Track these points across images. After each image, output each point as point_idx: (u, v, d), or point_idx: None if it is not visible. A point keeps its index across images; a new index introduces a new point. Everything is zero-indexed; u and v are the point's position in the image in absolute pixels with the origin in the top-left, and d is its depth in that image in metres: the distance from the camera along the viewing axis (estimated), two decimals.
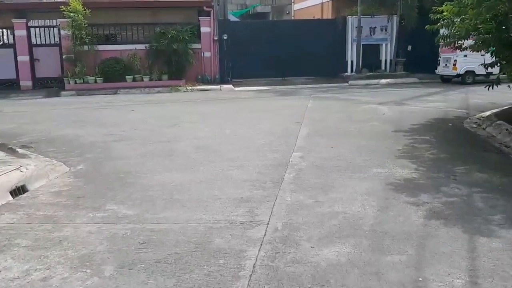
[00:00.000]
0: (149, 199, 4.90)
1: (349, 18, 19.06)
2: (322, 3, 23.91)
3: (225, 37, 18.59)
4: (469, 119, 9.20)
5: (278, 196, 4.86)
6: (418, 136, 7.70)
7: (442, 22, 8.02)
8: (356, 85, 17.24)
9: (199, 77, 18.23)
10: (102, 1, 17.78)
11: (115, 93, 16.38)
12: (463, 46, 8.37)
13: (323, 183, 5.27)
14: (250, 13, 30.18)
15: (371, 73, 18.78)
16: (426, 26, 8.56)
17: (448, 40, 8.00)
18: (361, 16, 18.20)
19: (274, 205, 4.59)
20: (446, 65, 16.67)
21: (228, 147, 7.34)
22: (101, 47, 17.46)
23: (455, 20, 7.57)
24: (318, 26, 19.98)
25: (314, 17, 23.72)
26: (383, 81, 17.72)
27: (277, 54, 18.82)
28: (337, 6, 21.83)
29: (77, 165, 6.49)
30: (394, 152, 6.68)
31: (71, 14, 16.48)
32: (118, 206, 4.71)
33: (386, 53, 19.39)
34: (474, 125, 8.53)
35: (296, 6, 28.65)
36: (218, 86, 17.34)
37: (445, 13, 7.51)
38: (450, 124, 8.86)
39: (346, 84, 17.59)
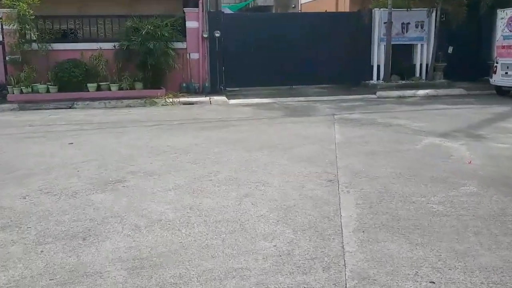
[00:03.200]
0: None
1: (376, 11, 14.88)
2: None
3: (217, 34, 14.51)
4: None
5: None
6: None
7: None
8: (387, 98, 13.24)
9: (184, 85, 14.20)
10: None
11: (71, 107, 12.43)
12: None
13: None
14: (250, 6, 26.11)
15: (403, 82, 14.75)
16: None
17: None
18: (393, 9, 14.10)
19: None
20: (506, 73, 12.65)
21: (200, 266, 3.39)
22: (56, 46, 13.37)
23: None
24: (336, 21, 15.79)
25: (326, 11, 19.68)
26: (421, 92, 13.72)
27: (283, 56, 14.88)
28: None
29: None
30: None
31: (13, 2, 12.49)
32: None
33: (422, 56, 15.23)
34: None
35: None
36: (207, 97, 13.28)
37: None
38: None
39: (374, 96, 13.58)
